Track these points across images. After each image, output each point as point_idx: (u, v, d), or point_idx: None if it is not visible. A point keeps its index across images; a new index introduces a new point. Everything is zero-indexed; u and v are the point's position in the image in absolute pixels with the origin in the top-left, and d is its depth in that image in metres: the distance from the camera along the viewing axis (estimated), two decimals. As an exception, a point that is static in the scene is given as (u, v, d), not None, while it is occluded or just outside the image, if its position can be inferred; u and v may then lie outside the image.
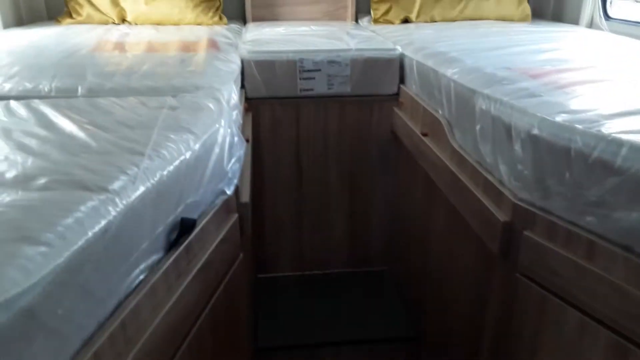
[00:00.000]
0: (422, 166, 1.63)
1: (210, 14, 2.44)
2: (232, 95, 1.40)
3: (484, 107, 1.22)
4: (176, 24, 2.42)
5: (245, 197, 1.21)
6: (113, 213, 0.72)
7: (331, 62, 1.89)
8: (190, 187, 0.96)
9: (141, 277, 0.81)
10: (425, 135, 1.60)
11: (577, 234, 0.90)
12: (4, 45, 1.84)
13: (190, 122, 1.07)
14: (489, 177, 1.18)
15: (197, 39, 2.02)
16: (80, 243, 0.64)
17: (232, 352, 1.23)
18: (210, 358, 1.06)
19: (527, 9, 2.53)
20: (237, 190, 1.17)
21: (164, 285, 0.85)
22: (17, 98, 1.22)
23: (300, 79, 1.90)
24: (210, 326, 1.04)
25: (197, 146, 0.99)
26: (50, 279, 0.59)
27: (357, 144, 2.04)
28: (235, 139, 1.21)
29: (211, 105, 1.20)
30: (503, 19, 2.51)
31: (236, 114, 1.33)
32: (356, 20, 2.69)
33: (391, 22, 2.48)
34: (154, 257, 0.85)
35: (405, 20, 2.50)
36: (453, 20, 2.49)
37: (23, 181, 0.75)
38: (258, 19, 2.64)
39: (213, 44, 1.92)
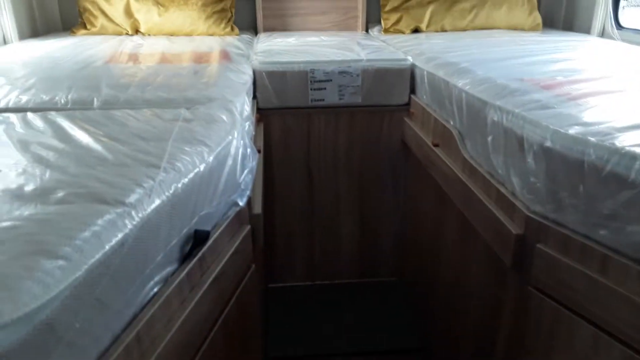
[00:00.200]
0: (433, 176, 1.63)
1: (222, 24, 2.47)
2: (245, 106, 1.41)
3: (495, 118, 1.22)
4: (189, 34, 2.45)
5: (258, 208, 1.22)
6: (129, 226, 0.73)
7: (342, 73, 1.90)
8: (204, 199, 0.97)
9: (156, 289, 0.82)
10: (436, 145, 1.61)
11: (591, 248, 0.90)
12: (21, 56, 1.87)
13: (204, 134, 1.08)
14: (501, 189, 1.18)
15: (210, 50, 2.05)
16: (97, 256, 0.66)
17: None
18: None
19: (538, 18, 2.53)
20: (249, 202, 1.18)
21: (178, 297, 0.86)
22: (33, 110, 1.25)
23: (311, 89, 1.91)
24: (222, 337, 1.04)
25: (211, 158, 1.00)
26: (68, 292, 0.60)
27: (368, 154, 2.05)
28: (248, 150, 1.22)
29: (224, 117, 1.21)
30: (514, 28, 2.51)
31: (248, 125, 1.34)
32: (366, 30, 2.70)
33: (402, 32, 2.49)
34: (168, 269, 0.86)
35: (416, 30, 2.51)
36: (463, 29, 2.50)
37: (41, 194, 0.77)
38: (269, 29, 2.67)
39: (225, 55, 1.94)
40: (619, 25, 2.26)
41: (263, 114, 1.90)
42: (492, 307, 1.27)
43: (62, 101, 1.33)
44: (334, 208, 2.12)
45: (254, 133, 1.44)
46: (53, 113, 1.20)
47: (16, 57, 1.87)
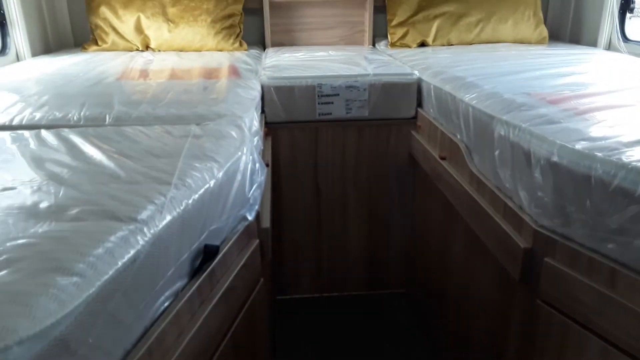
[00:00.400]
0: (441, 189, 1.63)
1: (231, 40, 2.50)
2: (254, 122, 1.43)
3: (502, 133, 1.23)
4: (198, 50, 2.48)
5: (266, 222, 1.23)
6: (141, 242, 0.74)
7: (349, 87, 1.92)
8: (213, 214, 0.99)
9: (166, 303, 0.83)
10: (443, 158, 1.61)
11: (599, 262, 0.90)
12: (34, 73, 1.91)
13: (214, 150, 1.10)
14: (509, 203, 1.18)
15: (219, 66, 2.07)
16: (110, 273, 0.67)
17: None
18: None
19: (544, 31, 2.54)
20: (258, 216, 1.19)
21: (188, 312, 0.87)
22: (47, 127, 1.27)
23: (318, 103, 1.93)
24: (231, 350, 1.05)
25: (220, 174, 1.02)
26: (82, 308, 0.61)
27: (375, 167, 2.06)
28: (257, 165, 1.23)
29: (233, 133, 1.23)
30: (520, 41, 2.52)
31: (257, 140, 1.35)
32: (373, 45, 2.73)
33: (408, 46, 2.51)
34: (179, 284, 0.87)
35: (422, 44, 2.53)
36: (470, 43, 2.51)
37: (56, 212, 0.79)
38: (277, 44, 2.70)
39: (234, 71, 1.97)
40: (625, 38, 2.26)
41: (271, 128, 1.92)
42: (501, 320, 1.27)
43: (75, 118, 1.36)
44: (342, 221, 2.13)
45: (262, 148, 1.46)
46: (66, 130, 1.22)
47: (29, 74, 1.90)
